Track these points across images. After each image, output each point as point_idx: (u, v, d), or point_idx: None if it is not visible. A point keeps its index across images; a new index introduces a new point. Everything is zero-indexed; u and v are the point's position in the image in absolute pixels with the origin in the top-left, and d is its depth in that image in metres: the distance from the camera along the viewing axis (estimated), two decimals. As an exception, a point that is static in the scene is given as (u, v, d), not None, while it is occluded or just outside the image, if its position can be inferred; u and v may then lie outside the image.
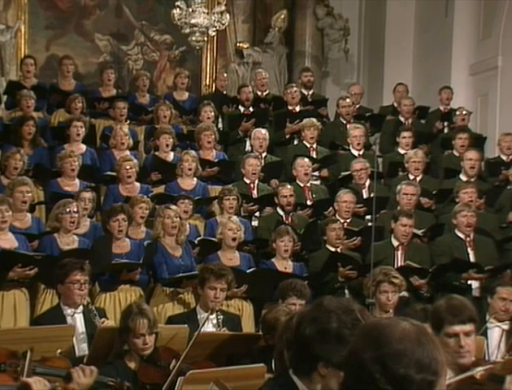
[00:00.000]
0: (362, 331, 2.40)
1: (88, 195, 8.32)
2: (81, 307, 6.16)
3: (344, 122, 11.24)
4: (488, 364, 4.04)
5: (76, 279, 6.09)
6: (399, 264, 7.87)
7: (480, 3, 12.53)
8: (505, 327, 6.28)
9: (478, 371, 3.89)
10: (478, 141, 10.93)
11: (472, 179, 9.45)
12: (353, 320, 2.77)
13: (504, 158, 10.40)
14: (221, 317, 6.21)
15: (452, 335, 3.84)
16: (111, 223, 7.59)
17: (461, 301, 4.01)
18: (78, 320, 6.06)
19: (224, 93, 12.67)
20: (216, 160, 9.94)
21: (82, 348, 5.84)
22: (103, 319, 6.14)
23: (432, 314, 4.03)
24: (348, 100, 11.55)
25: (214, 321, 6.16)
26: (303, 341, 2.83)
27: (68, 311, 6.09)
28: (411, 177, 9.60)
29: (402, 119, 11.60)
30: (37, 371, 4.44)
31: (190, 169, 9.20)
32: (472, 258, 8.06)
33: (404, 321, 2.31)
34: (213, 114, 10.95)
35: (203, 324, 5.59)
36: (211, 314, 6.01)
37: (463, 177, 9.64)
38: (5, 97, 11.22)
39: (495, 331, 6.23)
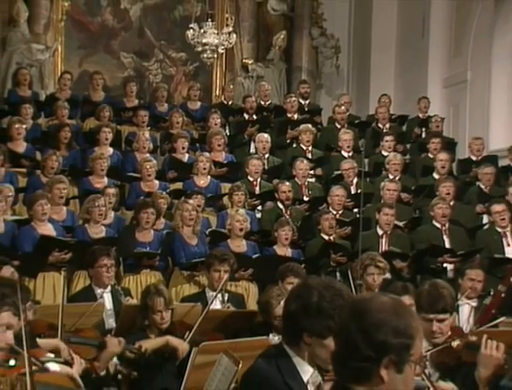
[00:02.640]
0: (349, 306, 2.42)
1: (112, 191, 8.32)
2: (109, 287, 6.18)
3: (339, 126, 11.18)
4: (462, 336, 4.02)
5: (104, 263, 6.12)
6: (383, 250, 7.85)
7: (452, 26, 12.55)
8: (474, 304, 6.26)
9: (455, 343, 3.89)
10: (450, 145, 10.93)
11: (444, 177, 9.47)
12: (332, 295, 2.77)
13: (473, 158, 10.40)
14: (227, 295, 6.23)
15: (427, 320, 3.86)
16: (141, 215, 7.53)
17: (440, 292, 3.99)
18: (106, 299, 6.09)
19: (231, 102, 12.65)
20: (225, 161, 9.93)
21: (110, 323, 5.86)
22: (128, 298, 6.16)
23: (416, 298, 4.05)
24: (343, 107, 11.51)
25: (221, 299, 6.17)
26: (290, 316, 2.84)
27: (98, 291, 6.11)
28: (391, 177, 9.59)
29: (382, 125, 11.57)
30: (72, 341, 4.44)
31: (205, 168, 9.19)
32: (447, 245, 8.03)
33: (382, 295, 2.33)
34: (219, 120, 10.93)
35: (211, 302, 5.63)
36: (217, 292, 6.04)
37: (436, 175, 9.65)
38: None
39: (465, 308, 6.21)
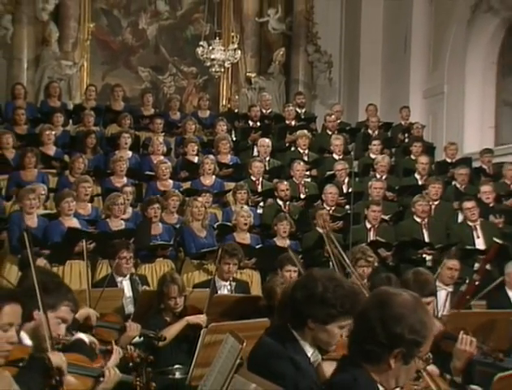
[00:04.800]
0: (373, 294, 2.41)
1: (129, 189, 8.30)
2: (128, 276, 6.16)
3: (330, 133, 11.16)
4: (439, 321, 4.00)
5: (123, 255, 6.11)
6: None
7: (430, 44, 12.53)
8: (450, 289, 6.25)
9: None
10: (429, 149, 10.91)
11: (424, 178, 9.45)
12: (334, 286, 2.77)
13: (449, 160, 10.39)
14: (234, 284, 6.22)
15: None
16: (149, 210, 7.56)
17: (425, 278, 3.98)
18: (126, 286, 6.07)
19: (236, 111, 12.63)
20: (231, 163, 9.90)
21: (129, 309, 5.84)
22: (144, 287, 6.14)
23: (402, 285, 4.02)
24: (333, 116, 11.47)
25: (228, 287, 6.16)
26: (296, 303, 2.83)
27: (118, 279, 6.09)
28: (378, 176, 9.56)
29: (370, 131, 11.55)
30: (97, 324, 4.41)
31: (210, 169, 9.14)
32: (426, 238, 8.01)
33: (405, 292, 2.31)
34: (226, 127, 10.89)
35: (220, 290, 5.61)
36: (226, 281, 6.03)
37: (417, 176, 9.65)
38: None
39: (442, 293, 6.18)
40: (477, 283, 5.95)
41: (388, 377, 2.23)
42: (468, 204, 7.97)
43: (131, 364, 3.53)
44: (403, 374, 2.24)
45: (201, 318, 4.99)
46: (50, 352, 2.83)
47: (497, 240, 7.27)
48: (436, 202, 8.63)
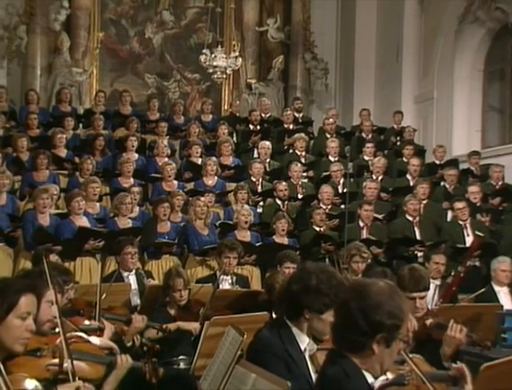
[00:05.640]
0: (351, 287, 2.42)
1: (136, 189, 8.30)
2: (134, 271, 6.15)
3: (328, 135, 11.13)
4: (432, 314, 4.01)
5: (128, 251, 6.08)
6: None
7: (421, 52, 12.54)
8: (438, 283, 6.28)
9: (429, 321, 3.89)
10: (420, 151, 10.91)
11: (415, 179, 9.46)
12: (327, 277, 2.81)
13: (437, 162, 10.42)
14: (234, 278, 6.21)
15: (411, 298, 3.85)
16: (159, 209, 7.55)
17: (420, 274, 3.99)
18: (132, 280, 6.06)
19: (237, 115, 12.62)
20: (233, 165, 9.90)
21: (135, 301, 5.85)
22: (149, 280, 6.14)
23: (398, 280, 4.02)
24: (331, 120, 11.44)
25: (230, 281, 6.16)
26: (293, 295, 2.85)
27: (125, 274, 6.08)
28: (374, 177, 9.55)
29: (364, 135, 11.55)
30: (106, 316, 4.43)
31: (212, 171, 9.14)
32: (418, 235, 8.02)
33: (381, 281, 2.32)
34: (227, 130, 10.88)
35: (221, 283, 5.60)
36: (227, 276, 6.02)
37: (409, 177, 9.66)
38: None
39: (430, 286, 6.21)
40: (462, 274, 5.97)
41: (373, 363, 2.26)
42: (459, 204, 7.99)
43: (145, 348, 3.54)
44: (387, 357, 2.26)
45: (192, 326, 4.90)
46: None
47: (479, 234, 7.36)
48: (424, 202, 8.64)
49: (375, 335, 2.21)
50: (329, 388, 2.23)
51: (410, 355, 2.89)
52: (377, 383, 2.33)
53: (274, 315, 4.28)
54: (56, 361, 2.84)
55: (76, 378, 2.76)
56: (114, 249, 6.21)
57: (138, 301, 5.81)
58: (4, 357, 2.62)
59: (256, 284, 6.98)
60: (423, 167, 10.04)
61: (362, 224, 8.03)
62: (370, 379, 2.27)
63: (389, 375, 2.55)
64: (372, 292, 2.24)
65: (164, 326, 4.70)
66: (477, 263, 7.56)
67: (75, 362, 2.82)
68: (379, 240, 7.71)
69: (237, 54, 12.48)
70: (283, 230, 7.69)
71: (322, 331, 2.82)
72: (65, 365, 2.79)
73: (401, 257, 7.60)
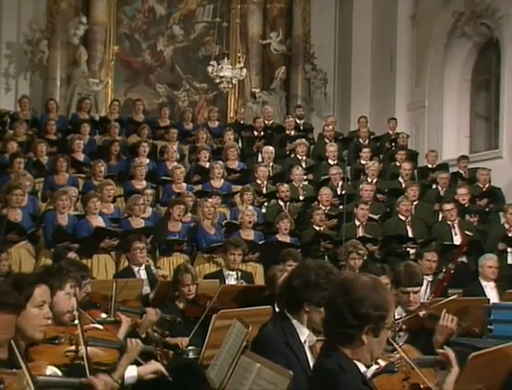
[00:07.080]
0: (336, 283, 2.41)
1: (149, 191, 8.32)
2: (143, 265, 6.18)
3: (327, 141, 11.13)
4: (427, 308, 4.01)
5: (137, 246, 6.12)
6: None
7: (413, 63, 12.51)
8: (430, 278, 6.30)
9: (422, 313, 3.90)
10: (412, 155, 10.91)
11: (411, 181, 9.46)
12: (326, 272, 2.82)
13: (429, 166, 10.41)
14: (239, 274, 6.22)
15: (405, 292, 3.87)
16: (174, 209, 7.52)
17: (414, 270, 4.00)
18: (142, 274, 6.12)
19: (242, 122, 12.62)
20: (238, 168, 9.90)
21: (145, 290, 5.90)
22: (157, 270, 6.17)
23: (394, 275, 4.03)
24: (330, 126, 11.43)
25: (235, 276, 6.17)
26: (293, 290, 2.86)
27: (135, 269, 6.13)
28: (369, 180, 9.55)
29: (361, 140, 11.53)
30: (121, 309, 4.44)
31: (219, 174, 9.14)
32: (410, 234, 8.02)
33: (364, 275, 2.32)
34: (233, 136, 10.89)
35: (227, 279, 5.60)
36: (232, 271, 6.02)
37: (401, 180, 9.68)
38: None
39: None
40: (452, 271, 5.98)
41: (364, 353, 2.25)
42: (448, 206, 8.02)
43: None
44: (376, 346, 2.25)
45: (178, 340, 4.69)
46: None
47: (468, 233, 7.36)
48: (415, 202, 8.65)
49: (363, 326, 2.20)
50: (326, 382, 2.22)
51: (404, 346, 2.89)
52: (369, 372, 2.33)
53: (276, 309, 4.28)
54: (73, 347, 2.87)
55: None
56: (124, 246, 6.24)
57: (148, 290, 5.87)
58: (26, 345, 2.69)
59: (260, 280, 6.98)
60: (414, 171, 10.04)
61: (357, 223, 8.03)
62: (362, 368, 2.27)
63: (381, 362, 2.55)
64: (357, 286, 2.24)
65: (175, 318, 4.70)
66: (465, 260, 7.55)
67: (90, 348, 2.85)
68: (375, 238, 7.71)
69: (242, 65, 12.47)
70: (285, 229, 7.69)
71: (320, 324, 2.82)
72: (81, 351, 2.82)
73: (395, 253, 7.61)
